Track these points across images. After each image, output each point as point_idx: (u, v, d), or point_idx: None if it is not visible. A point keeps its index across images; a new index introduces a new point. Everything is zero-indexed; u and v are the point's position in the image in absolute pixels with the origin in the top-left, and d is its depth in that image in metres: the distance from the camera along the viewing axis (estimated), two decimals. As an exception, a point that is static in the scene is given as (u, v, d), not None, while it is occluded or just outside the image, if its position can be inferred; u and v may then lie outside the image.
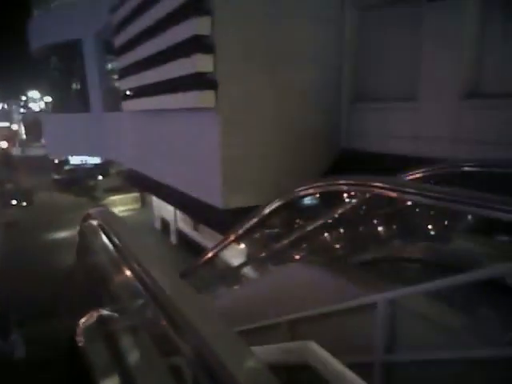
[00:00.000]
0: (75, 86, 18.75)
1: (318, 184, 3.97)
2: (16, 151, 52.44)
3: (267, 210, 4.45)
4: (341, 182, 3.59)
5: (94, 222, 2.73)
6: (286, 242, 4.63)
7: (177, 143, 8.59)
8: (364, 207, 3.96)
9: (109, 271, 2.19)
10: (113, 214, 2.84)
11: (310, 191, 4.07)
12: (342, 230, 4.67)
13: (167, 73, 7.54)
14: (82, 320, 2.14)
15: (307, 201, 5.01)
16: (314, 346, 1.82)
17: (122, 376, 1.65)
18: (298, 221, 5.01)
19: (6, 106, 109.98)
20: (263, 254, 5.17)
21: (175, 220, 17.08)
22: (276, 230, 5.29)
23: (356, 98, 7.51)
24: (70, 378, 1.88)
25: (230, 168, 6.70)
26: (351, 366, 1.81)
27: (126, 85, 10.48)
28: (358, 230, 4.42)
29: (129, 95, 10.39)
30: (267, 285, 4.17)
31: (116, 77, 13.03)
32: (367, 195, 3.52)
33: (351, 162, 6.90)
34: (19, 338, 7.95)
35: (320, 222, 4.29)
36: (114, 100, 13.92)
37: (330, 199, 4.09)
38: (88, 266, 3.43)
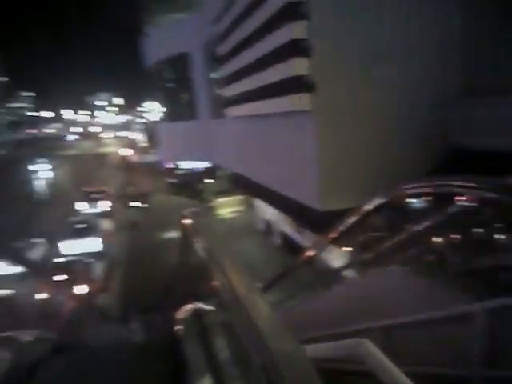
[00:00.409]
0: (185, 95, 20.07)
1: (425, 184, 3.76)
2: (138, 158, 57.53)
3: (367, 208, 4.33)
4: (451, 183, 3.36)
5: (188, 222, 2.92)
6: (386, 244, 4.46)
7: (276, 147, 8.74)
8: (475, 211, 3.64)
9: (200, 270, 2.34)
10: (200, 216, 3.00)
11: (416, 191, 3.86)
12: (448, 235, 4.36)
13: (265, 79, 7.74)
14: (181, 312, 2.31)
15: (412, 202, 4.77)
16: (367, 343, 1.76)
17: (211, 363, 1.75)
18: (400, 223, 4.79)
19: (128, 118, 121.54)
20: (362, 256, 5.04)
21: (278, 222, 17.31)
22: (376, 232, 5.13)
23: (465, 94, 6.94)
24: (171, 360, 2.05)
25: (328, 170, 6.66)
26: (443, 378, 1.71)
27: (228, 92, 10.95)
28: (467, 235, 4.09)
29: (230, 102, 10.83)
30: (364, 287, 4.07)
31: (220, 85, 13.67)
32: (479, 200, 3.23)
33: (459, 161, 6.39)
34: (137, 326, 8.73)
35: (425, 224, 4.04)
36: (219, 107, 14.62)
37: (437, 200, 3.84)
38: (187, 263, 3.69)
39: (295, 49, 6.17)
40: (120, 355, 2.44)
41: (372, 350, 1.72)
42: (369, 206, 4.32)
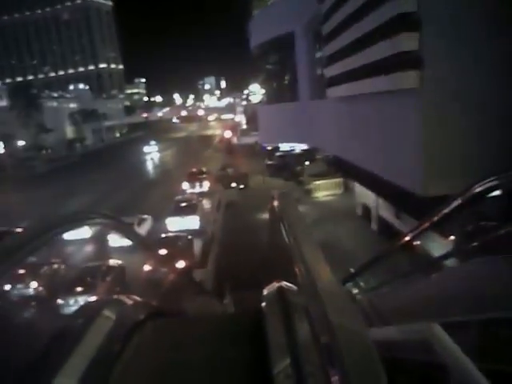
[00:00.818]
0: (287, 77, 20.13)
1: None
2: (237, 140, 59.45)
3: (475, 192, 3.99)
4: None
5: (276, 204, 2.96)
6: (494, 233, 4.10)
7: (378, 128, 8.43)
8: None
9: (284, 252, 2.39)
10: (289, 197, 3.01)
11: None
12: None
13: (370, 56, 7.46)
14: (265, 289, 2.41)
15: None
16: (436, 328, 1.65)
17: (289, 341, 1.82)
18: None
19: (231, 100, 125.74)
20: (466, 245, 4.71)
21: (377, 207, 16.82)
22: (483, 219, 4.75)
23: None
24: (252, 335, 2.17)
25: (432, 153, 6.26)
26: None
27: (331, 72, 10.76)
28: None
29: (333, 82, 10.65)
30: (465, 277, 3.81)
31: (323, 65, 13.47)
32: None
33: None
34: (230, 301, 9.19)
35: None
36: (320, 88, 14.45)
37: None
38: (274, 243, 3.77)
39: (404, 22, 5.84)
40: (211, 325, 2.62)
41: (441, 336, 1.64)
42: (477, 190, 3.96)
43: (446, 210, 4.48)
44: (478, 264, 4.17)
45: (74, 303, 13.14)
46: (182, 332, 2.41)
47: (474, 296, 3.34)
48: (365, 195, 17.87)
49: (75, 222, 2.60)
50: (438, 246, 5.51)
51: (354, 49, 8.32)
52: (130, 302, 2.69)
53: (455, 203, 4.29)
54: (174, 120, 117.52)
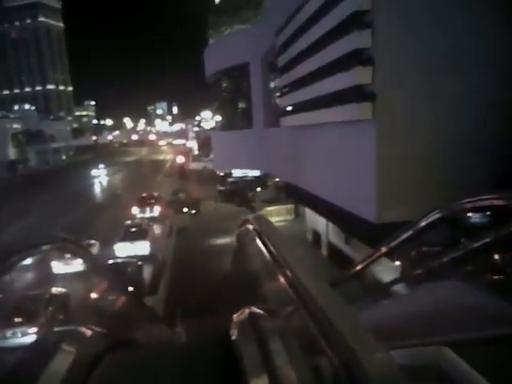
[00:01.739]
0: (240, 105, 20.46)
1: (486, 197, 3.61)
2: (189, 165, 59.12)
3: (424, 223, 4.20)
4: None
5: (250, 227, 2.95)
6: (443, 259, 4.30)
7: (330, 156, 8.71)
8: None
9: (262, 274, 2.36)
10: (267, 221, 3.01)
11: (477, 205, 3.72)
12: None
13: (325, 88, 7.77)
14: (236, 315, 2.35)
15: (472, 216, 4.60)
16: (447, 351, 1.70)
17: (267, 369, 1.77)
18: (459, 237, 4.62)
19: (183, 126, 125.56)
20: (417, 271, 4.89)
21: (327, 232, 17.17)
22: (433, 247, 4.97)
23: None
24: (221, 365, 2.10)
25: (385, 181, 6.53)
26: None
27: (286, 102, 11.07)
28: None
29: (287, 111, 10.95)
30: (419, 302, 3.94)
31: (277, 95, 13.83)
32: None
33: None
34: (182, 329, 8.93)
35: (487, 240, 3.86)
36: (274, 117, 14.78)
37: (501, 215, 3.67)
38: (243, 267, 3.72)
39: (358, 58, 6.15)
40: (171, 355, 2.52)
41: (454, 359, 1.67)
42: (425, 221, 4.19)
43: (395, 239, 4.68)
44: (428, 289, 4.35)
45: (11, 335, 12.24)
46: (148, 365, 2.31)
47: (426, 320, 3.47)
48: (315, 221, 18.23)
49: (37, 247, 2.47)
50: (388, 271, 5.68)
51: (308, 80, 8.64)
52: (88, 332, 2.54)
53: (406, 233, 4.51)
54: (126, 144, 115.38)
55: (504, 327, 2.44)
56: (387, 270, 5.67)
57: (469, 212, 4.11)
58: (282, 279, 1.81)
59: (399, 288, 5.24)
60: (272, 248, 2.12)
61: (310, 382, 1.55)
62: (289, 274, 1.69)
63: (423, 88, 6.39)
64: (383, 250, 4.95)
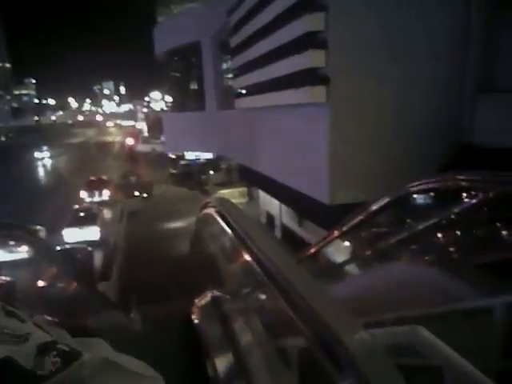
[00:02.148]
0: (192, 86, 20.05)
1: (433, 180, 3.76)
2: (139, 148, 57.61)
3: (375, 207, 4.33)
4: (460, 177, 3.36)
5: (213, 210, 2.90)
6: (393, 240, 4.46)
7: (284, 139, 8.76)
8: (486, 207, 3.63)
9: (226, 255, 2.33)
10: (230, 202, 2.97)
11: (423, 187, 3.87)
12: (456, 231, 4.38)
13: (279, 70, 7.74)
14: (198, 300, 2.32)
15: (419, 199, 4.78)
16: (422, 330, 1.76)
17: (232, 352, 1.75)
18: (407, 219, 4.81)
19: (132, 107, 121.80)
20: (368, 252, 5.05)
21: (280, 215, 17.37)
22: (383, 228, 5.14)
23: (482, 91, 6.88)
24: (184, 349, 2.06)
25: (337, 163, 6.66)
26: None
27: (240, 83, 10.96)
28: (476, 230, 4.10)
29: (241, 93, 10.85)
30: (371, 283, 4.09)
31: (230, 76, 13.66)
32: (490, 194, 3.23)
33: (473, 159, 6.37)
34: (137, 315, 8.78)
35: (433, 221, 4.04)
36: (227, 98, 14.61)
37: (445, 197, 3.85)
38: (204, 251, 3.68)
39: (311, 41, 6.15)
40: (124, 343, 2.45)
41: (429, 338, 1.71)
42: (375, 205, 4.33)
43: (347, 221, 4.80)
44: (380, 270, 4.51)
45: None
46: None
47: (378, 300, 3.60)
48: (269, 204, 18.37)
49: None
50: (341, 253, 5.83)
51: (262, 62, 8.57)
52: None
53: (358, 218, 4.63)
54: (72, 124, 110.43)
55: (452, 302, 2.56)
56: (339, 251, 5.82)
57: (414, 194, 4.27)
58: (249, 259, 1.76)
59: (351, 269, 5.41)
60: (240, 229, 2.07)
61: (277, 361, 1.56)
62: (258, 252, 1.64)
63: (376, 73, 6.52)
64: (336, 233, 5.07)
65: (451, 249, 4.35)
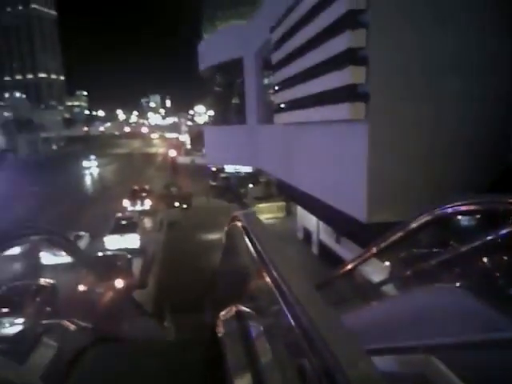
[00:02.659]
0: (234, 100, 20.37)
1: (479, 200, 3.60)
2: (181, 159, 58.87)
3: (414, 225, 4.19)
4: (505, 200, 3.19)
5: (239, 224, 2.91)
6: (433, 262, 4.30)
7: (323, 155, 8.70)
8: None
9: (249, 272, 2.33)
10: (256, 218, 2.97)
11: (468, 208, 3.70)
12: (503, 256, 4.18)
13: (318, 86, 7.74)
14: (222, 313, 2.32)
15: (462, 219, 4.61)
16: (435, 360, 1.68)
17: (251, 367, 1.75)
18: (449, 240, 4.64)
19: (176, 120, 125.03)
20: (406, 273, 4.89)
21: (318, 231, 17.19)
22: (423, 249, 4.97)
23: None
24: (208, 362, 2.07)
25: (375, 181, 6.53)
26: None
27: (279, 99, 11.03)
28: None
29: (281, 108, 10.91)
30: (407, 305, 3.95)
31: (271, 91, 13.78)
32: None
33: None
34: (171, 324, 8.91)
35: (476, 244, 3.86)
36: (267, 113, 14.73)
37: (491, 219, 3.67)
38: (231, 265, 3.69)
39: (352, 57, 6.12)
40: (156, 352, 2.49)
41: (439, 369, 1.65)
42: (414, 223, 4.17)
43: (385, 240, 4.67)
44: (418, 292, 4.35)
45: (-2, 325, 12.14)
46: (131, 361, 2.28)
47: (419, 323, 3.47)
48: (306, 219, 18.25)
49: (20, 238, 2.42)
50: (378, 272, 5.68)
51: (302, 78, 8.61)
52: (71, 326, 2.51)
53: (397, 235, 4.50)
54: (118, 136, 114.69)
55: (489, 332, 2.44)
56: (377, 271, 5.67)
57: (459, 215, 4.10)
58: (267, 279, 1.77)
59: (388, 289, 5.25)
60: (259, 246, 2.08)
61: (293, 383, 1.54)
62: (274, 274, 1.66)
63: (416, 89, 6.38)
64: (373, 250, 4.93)
65: (492, 275, 4.15)
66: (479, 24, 6.34)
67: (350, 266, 5.49)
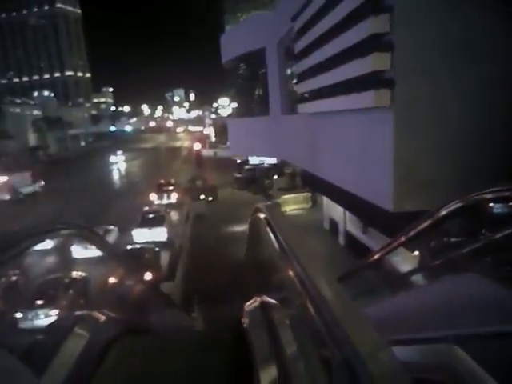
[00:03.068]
0: (257, 91, 20.30)
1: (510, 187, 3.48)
2: (205, 152, 59.24)
3: (444, 213, 4.09)
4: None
5: (262, 216, 2.91)
6: (463, 250, 4.20)
7: (347, 144, 8.59)
8: None
9: (272, 263, 2.34)
10: (278, 209, 2.96)
11: (500, 195, 3.59)
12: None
13: (342, 74, 7.62)
14: (247, 304, 2.34)
15: (495, 207, 4.47)
16: (458, 350, 1.65)
17: (277, 357, 1.76)
18: (480, 229, 4.51)
19: (200, 113, 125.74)
20: (436, 262, 4.80)
21: (344, 221, 17.05)
22: (453, 238, 4.87)
23: None
24: (234, 351, 2.09)
25: (402, 170, 6.40)
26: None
27: (303, 88, 10.93)
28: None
29: (304, 98, 10.81)
30: (437, 294, 3.87)
31: (294, 81, 13.66)
32: None
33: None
34: (199, 315, 9.03)
35: (509, 232, 3.73)
36: (291, 103, 14.63)
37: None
38: (255, 256, 3.70)
39: (376, 43, 5.99)
40: (184, 341, 2.52)
41: (464, 358, 1.63)
42: (445, 211, 4.07)
43: (414, 229, 4.58)
44: (446, 282, 4.26)
45: (33, 317, 12.60)
46: (161, 351, 2.32)
47: (447, 313, 3.40)
48: (332, 210, 18.11)
49: (49, 233, 2.49)
50: (406, 262, 5.59)
51: (326, 67, 8.49)
52: (102, 317, 2.57)
53: (425, 223, 4.40)
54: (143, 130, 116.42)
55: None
56: (405, 260, 5.58)
57: (491, 202, 3.99)
58: (289, 270, 1.78)
59: (417, 279, 5.16)
60: (280, 237, 2.08)
61: (317, 373, 1.54)
62: (295, 265, 1.66)
63: (443, 76, 6.19)
64: (401, 239, 4.85)
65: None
66: (507, 8, 6.09)
67: (377, 256, 5.43)
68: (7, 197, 36.92)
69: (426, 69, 6.13)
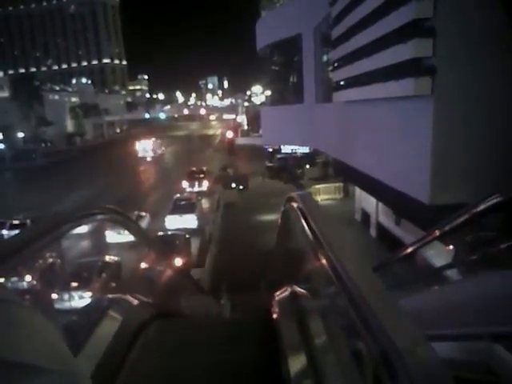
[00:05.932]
0: (292, 79, 20.09)
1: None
2: (238, 140, 59.39)
3: (482, 207, 3.93)
4: None
5: (295, 205, 2.87)
6: (501, 246, 4.03)
7: (383, 133, 8.38)
8: None
9: (304, 253, 2.30)
10: (312, 199, 2.92)
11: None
12: None
13: (380, 61, 7.40)
14: (277, 293, 2.32)
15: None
16: (499, 348, 1.57)
17: (306, 347, 1.73)
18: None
19: (233, 101, 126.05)
20: (472, 257, 4.64)
21: (376, 213, 16.76)
22: (490, 232, 4.69)
23: None
24: (263, 341, 2.08)
25: (440, 161, 6.18)
26: None
27: (338, 76, 10.71)
28: None
29: (340, 86, 10.60)
30: (472, 290, 3.74)
31: (329, 69, 13.43)
32: None
33: None
34: (227, 302, 9.13)
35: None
36: (325, 91, 14.40)
37: None
38: (287, 245, 3.67)
39: (417, 29, 5.76)
40: (213, 326, 2.54)
41: (506, 357, 1.56)
42: (483, 205, 3.90)
43: (452, 223, 4.43)
44: (482, 278, 4.12)
45: (68, 298, 13.08)
46: (192, 335, 2.34)
47: (483, 310, 3.28)
48: (365, 201, 17.84)
49: (87, 217, 2.53)
50: (440, 256, 5.44)
51: (363, 53, 8.26)
52: (134, 301, 2.62)
53: (462, 217, 4.24)
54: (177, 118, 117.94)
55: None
56: (439, 255, 5.43)
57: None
58: (323, 260, 1.74)
59: (451, 274, 5.02)
60: (315, 228, 2.04)
61: (348, 365, 1.51)
62: (330, 255, 1.62)
63: (489, 64, 5.91)
64: (436, 233, 4.71)
65: None
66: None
67: (410, 249, 5.30)
68: (151, 154, 58.78)
69: (469, 57, 5.87)
